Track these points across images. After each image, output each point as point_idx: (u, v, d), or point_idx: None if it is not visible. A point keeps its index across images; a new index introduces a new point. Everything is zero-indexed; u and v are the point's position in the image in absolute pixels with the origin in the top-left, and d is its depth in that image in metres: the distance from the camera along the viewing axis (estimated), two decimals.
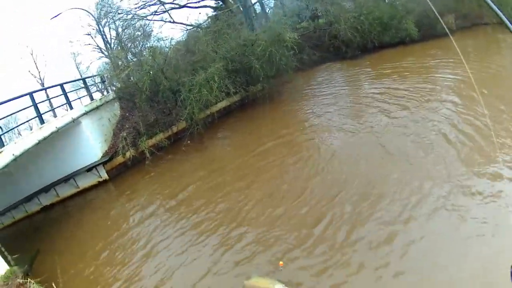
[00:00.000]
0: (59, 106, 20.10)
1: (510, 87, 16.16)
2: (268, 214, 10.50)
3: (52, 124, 15.68)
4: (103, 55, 37.73)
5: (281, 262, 8.21)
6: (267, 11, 34.06)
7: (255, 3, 31.78)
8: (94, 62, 49.04)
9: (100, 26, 33.00)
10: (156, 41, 27.55)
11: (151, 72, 20.32)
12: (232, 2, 29.20)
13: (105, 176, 18.00)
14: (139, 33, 29.72)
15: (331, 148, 13.65)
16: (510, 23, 4.91)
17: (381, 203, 9.49)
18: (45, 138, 14.81)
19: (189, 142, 18.70)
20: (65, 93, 17.90)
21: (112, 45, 35.73)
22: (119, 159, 18.54)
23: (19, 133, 21.90)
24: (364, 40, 28.29)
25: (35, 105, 15.35)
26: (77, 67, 41.98)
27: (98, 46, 37.61)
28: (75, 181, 17.66)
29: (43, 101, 18.51)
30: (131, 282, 9.63)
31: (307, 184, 11.48)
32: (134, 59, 24.14)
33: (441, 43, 28.26)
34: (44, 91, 23.47)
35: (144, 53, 23.08)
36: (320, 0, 30.54)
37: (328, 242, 8.66)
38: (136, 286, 9.43)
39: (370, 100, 17.78)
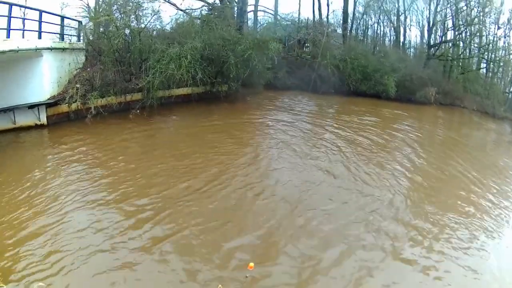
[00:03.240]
0: (29, 30, 19.23)
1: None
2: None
3: (14, 43, 14.76)
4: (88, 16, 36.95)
5: (251, 264, 7.75)
6: (258, 26, 34.59)
7: (250, 11, 32.28)
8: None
9: None
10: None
11: (128, 31, 20.12)
12: (229, 3, 29.31)
13: (44, 120, 17.07)
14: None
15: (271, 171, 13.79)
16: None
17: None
18: (2, 52, 13.89)
19: (138, 112, 18.20)
20: (40, 20, 17.20)
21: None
22: (64, 107, 17.77)
23: None
24: (341, 82, 29.03)
25: (9, 17, 14.84)
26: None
27: (88, 5, 36.99)
28: (14, 115, 16.53)
29: (17, 18, 17.95)
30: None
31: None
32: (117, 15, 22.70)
33: (415, 108, 29.98)
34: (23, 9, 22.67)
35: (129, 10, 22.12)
36: (314, 28, 31.43)
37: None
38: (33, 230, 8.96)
39: (324, 141, 17.83)
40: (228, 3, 28.91)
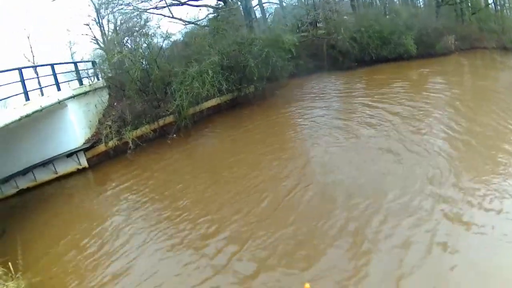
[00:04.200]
0: (47, 86, 19.56)
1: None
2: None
3: (37, 103, 15.21)
4: (98, 47, 37.50)
5: (307, 285, 7.36)
6: (267, 16, 34.54)
7: (255, 5, 32.17)
8: (89, 53, 48.75)
9: (100, 17, 33.27)
10: (153, 31, 27.48)
11: (144, 61, 20.36)
12: (233, 2, 29.27)
13: (84, 163, 17.54)
14: (137, 28, 29.69)
15: (323, 159, 13.82)
16: None
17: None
18: (28, 116, 14.26)
19: (175, 136, 18.53)
20: (54, 74, 17.51)
21: (109, 38, 35.06)
22: (101, 147, 18.12)
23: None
24: (362, 53, 28.64)
25: (22, 81, 14.99)
26: (72, 57, 41.53)
27: (95, 37, 37.42)
28: (54, 166, 17.13)
29: (31, 78, 17.85)
30: (89, 270, 9.52)
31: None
32: (128, 48, 23.69)
33: (437, 63, 29.36)
34: (33, 69, 23.05)
35: (139, 41, 23.02)
36: (322, 7, 30.86)
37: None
38: (95, 275, 9.23)
39: (359, 114, 18.14)
40: (232, 3, 28.85)
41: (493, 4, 49.72)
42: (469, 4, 42.75)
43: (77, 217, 12.91)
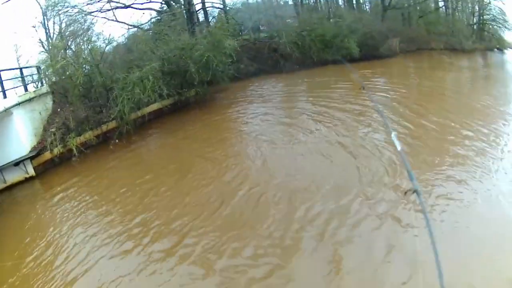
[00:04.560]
0: None
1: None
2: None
3: None
4: (43, 49, 37.78)
5: None
6: (209, 20, 35.32)
7: (199, 10, 33.00)
8: (34, 57, 48.48)
9: (46, 19, 33.42)
10: (96, 36, 28.21)
11: (87, 67, 20.76)
12: (176, 6, 30.27)
13: (32, 172, 17.47)
14: (81, 30, 30.31)
15: (261, 159, 14.40)
16: None
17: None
18: None
19: (117, 141, 18.84)
20: (0, 80, 17.55)
21: (53, 42, 35.15)
22: (47, 155, 18.17)
23: None
24: (303, 56, 29.66)
25: None
26: (17, 60, 41.72)
27: (40, 40, 37.76)
28: (2, 175, 17.06)
29: None
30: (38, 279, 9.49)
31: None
32: (72, 53, 24.36)
33: (380, 65, 30.88)
34: None
35: (82, 47, 23.72)
36: (264, 12, 32.37)
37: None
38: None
39: (299, 116, 18.94)
40: (176, 7, 29.94)
41: (444, 7, 52.20)
42: (418, 8, 44.53)
43: (24, 228, 12.94)
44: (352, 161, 12.93)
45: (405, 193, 6.82)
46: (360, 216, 9.51)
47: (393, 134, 8.90)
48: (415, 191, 6.58)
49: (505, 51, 70.78)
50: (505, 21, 66.49)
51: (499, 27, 67.96)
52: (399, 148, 7.37)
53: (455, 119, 16.78)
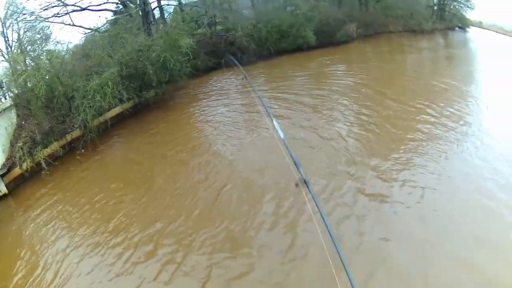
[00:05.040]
0: None
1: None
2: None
3: None
4: (3, 59, 37.72)
5: None
6: (166, 16, 36.11)
7: (154, 8, 33.50)
8: None
9: (4, 28, 33.82)
10: (54, 45, 28.99)
11: (47, 77, 20.59)
12: (132, 6, 30.96)
13: (4, 190, 17.35)
14: (39, 36, 30.89)
15: (226, 154, 15.21)
16: None
17: None
18: None
19: (83, 151, 18.99)
20: None
21: (13, 49, 35.43)
22: (17, 171, 18.09)
23: None
24: (260, 47, 30.66)
25: None
26: None
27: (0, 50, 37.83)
28: None
29: None
30: None
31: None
32: (33, 64, 24.18)
33: (338, 51, 32.06)
34: None
35: (42, 57, 23.56)
36: (219, 7, 33.23)
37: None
38: None
39: (256, 110, 19.39)
40: (131, 7, 30.63)
41: None
42: None
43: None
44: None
45: (296, 184, 6.93)
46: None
47: (274, 122, 9.35)
48: (304, 181, 6.64)
49: (467, 29, 72.98)
50: (467, 0, 68.67)
51: (461, 6, 70.07)
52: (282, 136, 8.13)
53: (416, 102, 17.81)
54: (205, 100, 23.64)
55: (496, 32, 73.70)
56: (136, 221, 11.84)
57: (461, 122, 15.25)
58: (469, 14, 67.22)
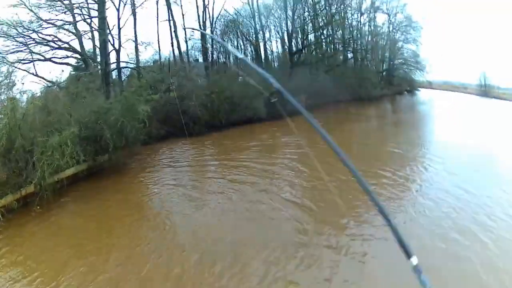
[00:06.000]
0: None
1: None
2: None
3: None
4: None
5: None
6: (123, 79, 38.30)
7: (113, 69, 35.57)
8: None
9: None
10: (20, 94, 29.76)
11: (9, 126, 20.92)
12: (93, 64, 33.04)
13: None
14: (6, 81, 31.84)
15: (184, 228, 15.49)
16: None
17: None
18: None
19: (38, 207, 19.17)
20: None
21: None
22: None
23: None
24: (212, 118, 32.76)
25: None
26: None
27: None
28: None
29: None
30: None
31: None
32: None
33: (288, 123, 34.36)
34: None
35: (5, 103, 24.41)
36: (176, 74, 35.59)
37: None
38: None
39: (209, 179, 21.19)
40: (92, 66, 32.65)
41: (352, 59, 58.08)
42: (326, 63, 50.28)
43: None
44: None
45: None
46: None
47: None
48: None
49: (416, 92, 78.83)
50: (417, 62, 74.13)
51: (410, 69, 75.87)
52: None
53: (363, 169, 19.08)
54: (156, 170, 24.69)
55: (445, 90, 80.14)
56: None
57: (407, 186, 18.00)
58: (421, 76, 73.34)
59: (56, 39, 33.64)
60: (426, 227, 13.72)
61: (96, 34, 34.65)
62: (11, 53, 31.26)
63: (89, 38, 34.96)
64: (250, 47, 51.21)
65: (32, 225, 17.79)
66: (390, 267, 10.56)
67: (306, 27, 51.77)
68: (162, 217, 16.86)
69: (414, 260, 2.61)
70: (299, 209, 16.05)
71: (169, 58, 42.40)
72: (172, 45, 41.70)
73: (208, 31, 43.53)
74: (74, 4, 33.67)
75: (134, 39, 38.84)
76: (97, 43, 34.47)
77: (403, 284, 8.38)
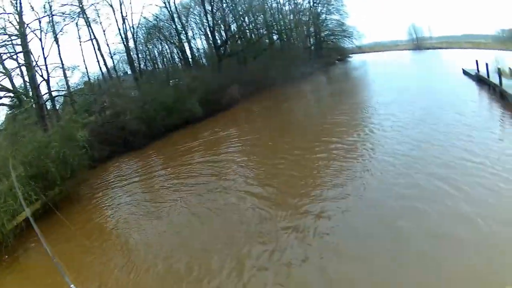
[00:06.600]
0: None
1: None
2: None
3: None
4: None
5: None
6: (57, 107, 38.51)
7: (47, 100, 35.85)
8: None
9: None
10: None
11: None
12: (25, 99, 33.12)
13: None
14: None
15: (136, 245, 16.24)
16: None
17: None
18: None
19: (6, 257, 18.62)
20: None
21: None
22: None
23: None
24: (151, 128, 33.03)
25: None
26: None
27: None
28: None
29: None
30: None
31: None
32: None
33: (226, 116, 35.56)
34: None
35: None
36: (107, 92, 36.02)
37: None
38: None
39: (161, 189, 21.88)
40: (26, 101, 32.62)
41: (278, 40, 59.31)
42: (253, 50, 50.86)
43: None
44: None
45: None
46: None
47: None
48: None
49: (348, 59, 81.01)
50: (344, 31, 76.23)
51: (338, 39, 78.04)
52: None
53: (308, 145, 21.07)
54: (107, 193, 24.91)
55: (378, 52, 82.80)
56: None
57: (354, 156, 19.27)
58: (350, 43, 75.52)
59: None
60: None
61: (24, 68, 34.83)
62: None
63: (18, 74, 35.08)
64: (176, 49, 51.56)
65: (5, 274, 17.58)
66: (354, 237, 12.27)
67: (227, 18, 52.49)
68: (122, 239, 17.59)
69: None
70: (255, 197, 16.98)
71: (97, 77, 43.30)
72: (99, 63, 42.64)
73: (131, 41, 44.35)
74: None
75: (61, 65, 39.23)
76: (27, 78, 34.69)
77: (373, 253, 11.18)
